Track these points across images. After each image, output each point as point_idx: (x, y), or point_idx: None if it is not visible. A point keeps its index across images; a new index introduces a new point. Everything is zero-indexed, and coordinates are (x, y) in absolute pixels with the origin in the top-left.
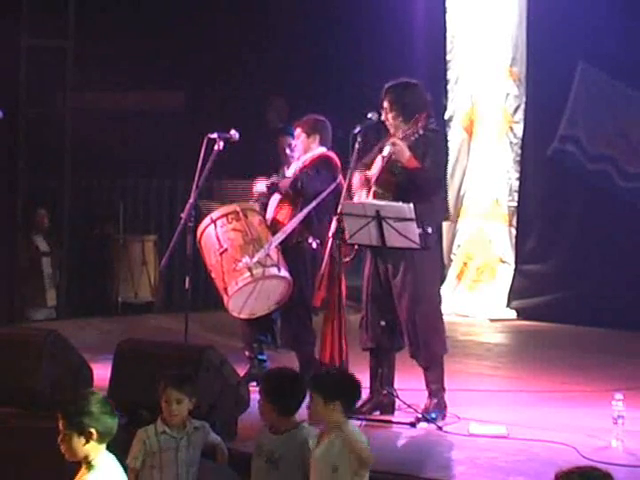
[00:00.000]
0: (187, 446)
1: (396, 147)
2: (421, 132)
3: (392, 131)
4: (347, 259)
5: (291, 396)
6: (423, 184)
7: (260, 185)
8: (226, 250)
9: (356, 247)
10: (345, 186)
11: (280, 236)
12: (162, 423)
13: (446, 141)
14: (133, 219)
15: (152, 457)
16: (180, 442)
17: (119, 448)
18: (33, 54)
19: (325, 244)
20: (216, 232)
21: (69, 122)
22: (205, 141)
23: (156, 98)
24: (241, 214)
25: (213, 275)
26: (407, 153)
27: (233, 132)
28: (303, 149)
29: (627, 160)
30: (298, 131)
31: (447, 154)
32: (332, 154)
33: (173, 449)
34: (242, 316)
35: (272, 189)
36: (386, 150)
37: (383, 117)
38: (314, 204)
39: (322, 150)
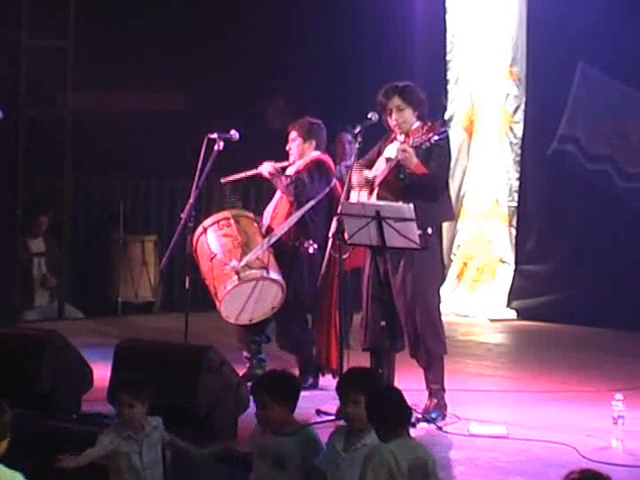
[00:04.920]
0: (149, 448)
1: (405, 154)
2: (433, 141)
3: (399, 131)
4: (345, 256)
5: (298, 394)
6: (429, 187)
7: (265, 166)
8: (215, 256)
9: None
10: (345, 187)
11: (271, 239)
12: (125, 426)
13: (449, 143)
14: (133, 219)
15: (120, 459)
16: (142, 444)
17: None
18: (33, 54)
19: (324, 247)
20: (207, 239)
21: (69, 122)
22: (205, 141)
23: (156, 98)
24: (232, 220)
25: (206, 282)
26: (415, 160)
27: (233, 132)
28: (298, 153)
29: (627, 160)
30: (294, 134)
31: (450, 155)
32: (326, 157)
33: (137, 453)
34: (236, 322)
35: (274, 178)
36: (390, 153)
37: (393, 119)
38: (307, 208)
39: (316, 154)
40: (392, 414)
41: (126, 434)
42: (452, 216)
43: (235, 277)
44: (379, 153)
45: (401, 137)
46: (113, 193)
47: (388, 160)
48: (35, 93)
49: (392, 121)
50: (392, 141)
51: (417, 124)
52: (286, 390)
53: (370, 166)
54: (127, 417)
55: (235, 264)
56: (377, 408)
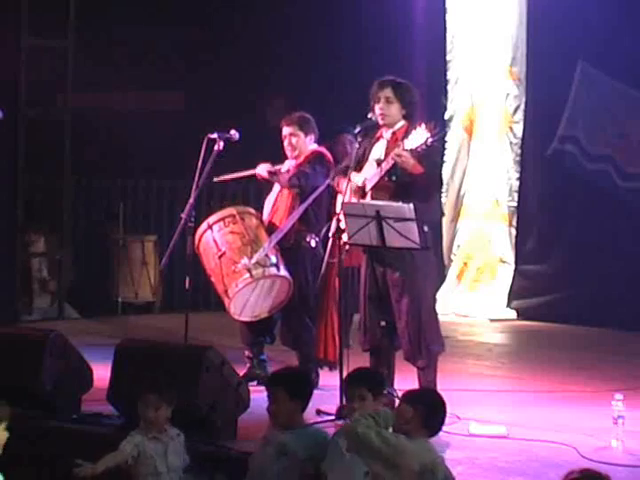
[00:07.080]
0: (174, 451)
1: (402, 158)
2: (429, 143)
3: (382, 122)
4: (334, 260)
5: (310, 394)
6: (423, 187)
7: (262, 168)
8: (224, 253)
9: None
10: (345, 186)
11: (278, 235)
12: (149, 428)
13: (444, 144)
14: (133, 219)
15: (146, 463)
16: (168, 447)
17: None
18: (33, 54)
19: (325, 241)
20: (213, 236)
21: (69, 122)
22: (205, 141)
23: (156, 98)
24: (238, 217)
25: (213, 279)
26: (412, 161)
27: (233, 132)
28: (300, 147)
29: (627, 160)
30: (294, 129)
31: (443, 155)
32: (324, 150)
33: (163, 455)
34: (244, 319)
35: (273, 177)
36: (378, 154)
37: (379, 107)
38: (309, 201)
39: (314, 147)
40: (441, 423)
41: (152, 435)
42: (442, 214)
43: (247, 275)
44: (364, 154)
45: (387, 134)
46: (113, 193)
47: (380, 163)
48: (35, 93)
49: (378, 110)
50: (378, 140)
51: (402, 123)
52: (300, 388)
53: (358, 168)
54: (153, 419)
55: (246, 262)
56: (434, 417)
